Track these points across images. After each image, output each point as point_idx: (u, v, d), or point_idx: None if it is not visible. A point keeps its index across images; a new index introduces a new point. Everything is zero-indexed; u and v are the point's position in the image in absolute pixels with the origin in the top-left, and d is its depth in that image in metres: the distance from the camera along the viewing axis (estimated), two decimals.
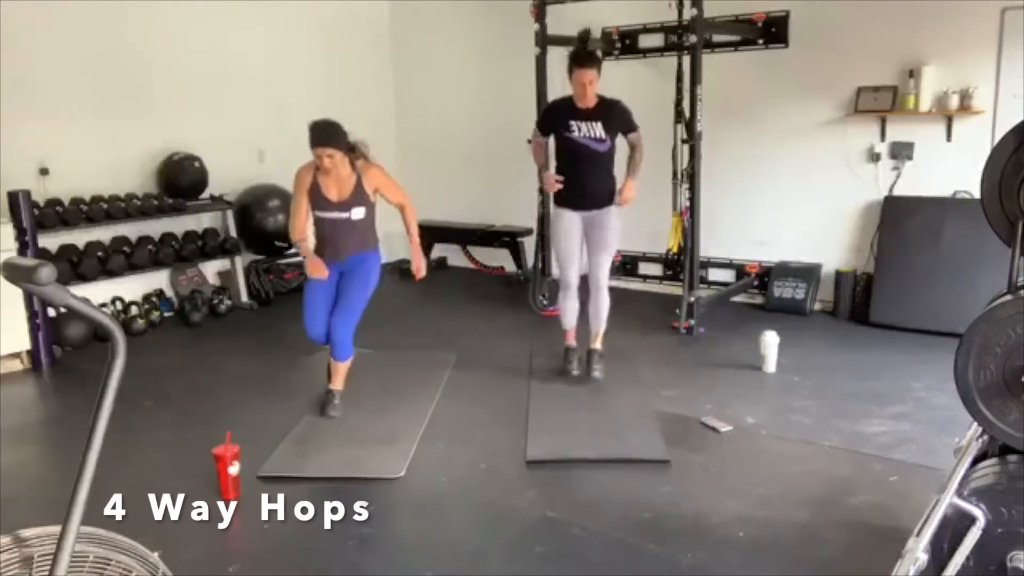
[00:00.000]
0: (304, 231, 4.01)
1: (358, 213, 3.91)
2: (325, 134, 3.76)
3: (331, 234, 3.95)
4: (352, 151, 3.87)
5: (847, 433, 3.78)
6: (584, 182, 4.29)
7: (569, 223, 4.37)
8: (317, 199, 3.90)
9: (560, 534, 2.96)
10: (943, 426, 3.67)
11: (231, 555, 2.93)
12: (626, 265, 6.77)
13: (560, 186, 4.31)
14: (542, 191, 6.04)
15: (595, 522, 3.02)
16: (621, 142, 4.39)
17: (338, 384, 4.13)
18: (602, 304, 4.42)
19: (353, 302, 3.97)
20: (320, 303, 3.98)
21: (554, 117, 4.38)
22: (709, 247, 6.01)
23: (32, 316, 5.00)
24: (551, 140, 4.48)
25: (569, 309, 4.48)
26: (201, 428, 3.94)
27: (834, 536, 2.89)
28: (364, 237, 4.00)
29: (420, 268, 4.12)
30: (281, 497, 3.30)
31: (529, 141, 6.18)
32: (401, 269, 7.24)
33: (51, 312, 5.11)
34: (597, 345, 4.49)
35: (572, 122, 4.26)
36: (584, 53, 4.19)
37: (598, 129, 4.24)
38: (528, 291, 6.22)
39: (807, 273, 5.86)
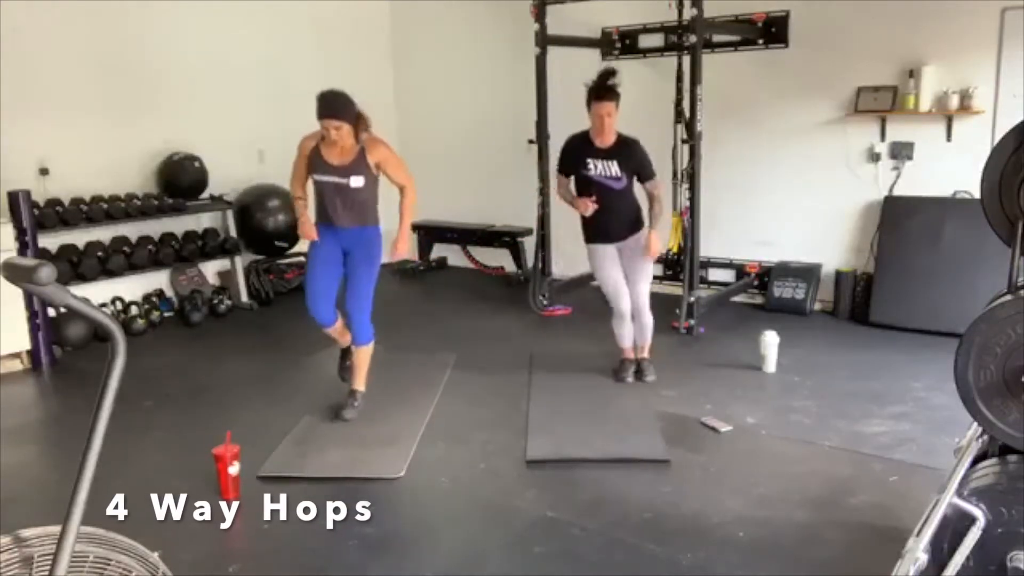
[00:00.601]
0: (301, 190, 3.99)
1: (356, 181, 3.83)
2: (333, 106, 3.73)
3: (329, 199, 3.89)
4: (359, 123, 3.84)
5: (847, 433, 3.78)
6: (609, 218, 4.39)
7: (605, 255, 4.46)
8: (317, 163, 3.87)
9: (560, 534, 2.96)
10: (943, 426, 3.67)
11: (231, 555, 2.93)
12: None
13: (596, 205, 4.34)
14: (542, 191, 6.08)
15: (595, 522, 3.02)
16: None
17: (360, 384, 4.13)
18: (646, 324, 4.56)
19: (362, 284, 3.95)
20: (320, 279, 3.95)
21: (572, 156, 4.43)
22: (709, 247, 6.01)
23: (32, 316, 5.00)
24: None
25: (624, 335, 4.59)
26: (201, 428, 3.94)
27: (834, 536, 2.89)
28: (363, 209, 3.93)
29: (400, 249, 3.99)
30: (281, 497, 3.32)
31: (531, 141, 6.26)
32: (402, 271, 7.26)
33: (51, 312, 5.12)
34: (646, 354, 4.65)
35: (589, 160, 4.33)
36: (603, 86, 4.24)
37: (614, 168, 4.30)
38: (528, 291, 6.22)
39: (807, 273, 5.86)
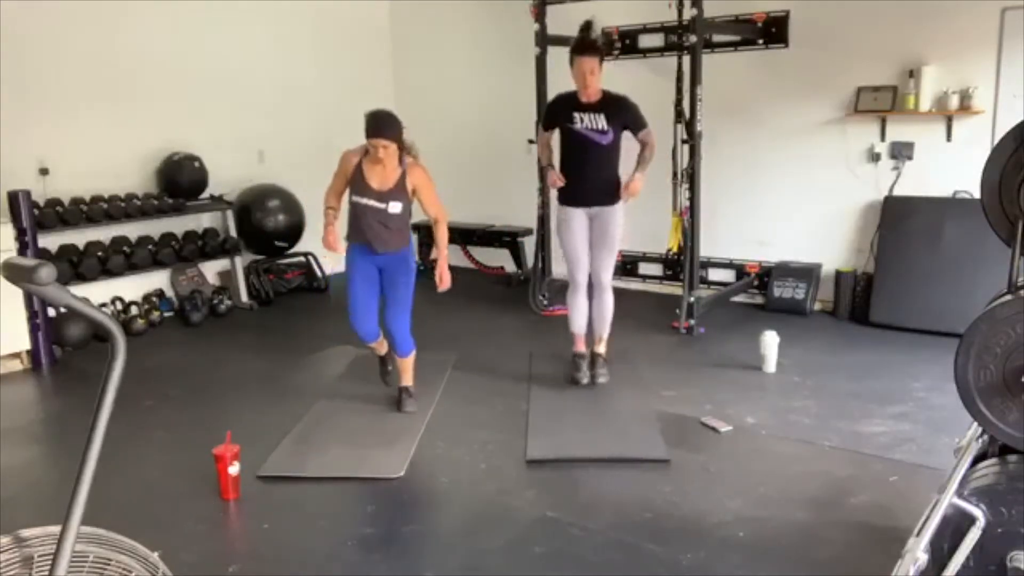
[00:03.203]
0: (336, 201, 4.00)
1: (395, 207, 3.89)
2: (384, 125, 3.76)
3: (366, 222, 3.91)
4: (404, 146, 3.88)
5: (847, 433, 3.78)
6: (587, 176, 4.25)
7: (575, 221, 4.31)
8: (358, 183, 3.89)
9: (560, 534, 2.95)
10: (943, 426, 3.67)
11: (231, 555, 2.93)
12: (626, 265, 6.77)
13: (563, 183, 4.28)
14: (542, 191, 6.07)
15: (595, 522, 3.02)
16: (628, 143, 4.32)
17: (409, 380, 4.21)
18: (606, 305, 4.39)
19: (402, 299, 4.03)
20: (364, 299, 4.03)
21: (557, 110, 4.34)
22: (709, 247, 6.01)
23: (32, 316, 5.00)
24: (555, 137, 4.43)
25: (578, 309, 4.39)
26: (201, 428, 3.94)
27: (834, 536, 2.89)
28: (399, 233, 3.99)
29: (445, 279, 4.07)
30: (281, 497, 3.33)
31: (531, 141, 6.25)
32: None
33: (51, 312, 5.11)
34: (601, 349, 4.46)
35: (575, 113, 4.22)
36: (585, 42, 4.12)
37: (601, 121, 4.18)
38: (528, 291, 6.22)
39: (807, 273, 5.86)
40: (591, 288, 4.41)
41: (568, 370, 4.49)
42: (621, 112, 4.21)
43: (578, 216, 4.33)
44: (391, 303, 4.05)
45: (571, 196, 4.33)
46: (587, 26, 4.16)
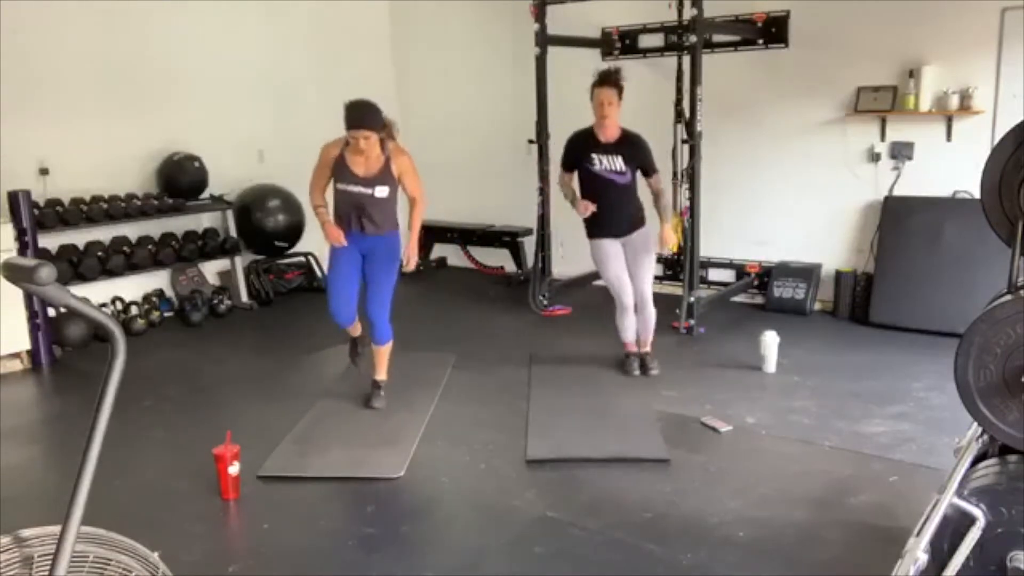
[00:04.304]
0: (321, 198, 4.04)
1: (381, 192, 3.94)
2: (363, 116, 3.78)
3: (352, 208, 3.96)
4: (386, 133, 3.91)
5: (847, 433, 3.78)
6: (612, 212, 4.43)
7: (610, 249, 4.51)
8: (342, 172, 3.93)
9: (560, 534, 2.95)
10: (943, 426, 3.67)
11: (231, 555, 2.93)
12: None
13: (594, 208, 4.41)
14: (542, 191, 6.08)
15: (595, 522, 3.02)
16: None
17: (382, 374, 4.24)
18: (649, 316, 4.63)
19: (383, 286, 4.07)
20: (345, 286, 4.06)
21: (576, 151, 4.50)
22: (709, 247, 6.01)
23: (32, 316, 5.00)
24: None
25: (628, 327, 4.63)
26: (201, 428, 3.94)
27: (834, 536, 2.89)
28: (385, 217, 4.02)
29: (412, 260, 4.15)
30: (281, 497, 3.33)
31: (531, 141, 6.26)
32: (402, 271, 7.26)
33: (51, 312, 5.12)
34: (648, 349, 4.71)
35: (593, 155, 4.41)
36: (606, 73, 4.35)
37: (618, 163, 4.38)
38: (528, 291, 6.22)
39: (807, 273, 5.86)
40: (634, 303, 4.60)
41: (622, 365, 4.70)
42: (637, 154, 4.43)
43: (612, 244, 4.51)
44: (372, 290, 4.07)
45: (600, 230, 4.51)
46: (616, 70, 4.40)
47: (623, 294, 4.52)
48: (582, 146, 4.46)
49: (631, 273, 4.52)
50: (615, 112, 4.34)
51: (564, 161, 4.59)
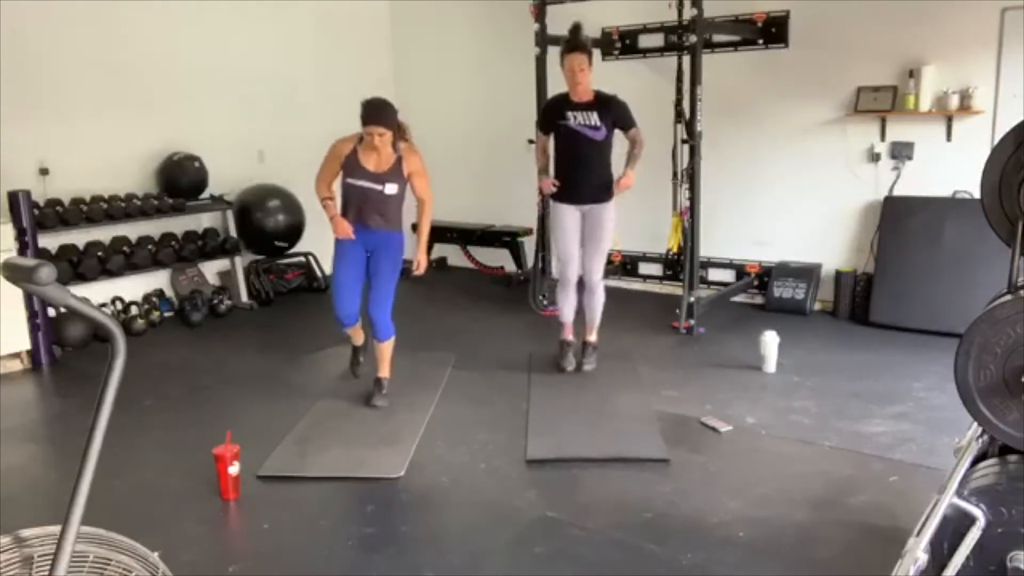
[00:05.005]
0: (328, 191, 4.08)
1: (391, 188, 4.00)
2: (380, 114, 3.85)
3: (360, 203, 4.01)
4: (399, 132, 3.97)
5: (847, 433, 3.78)
6: (581, 173, 4.39)
7: (567, 217, 4.46)
8: (353, 167, 3.98)
9: (560, 534, 2.95)
10: (943, 426, 3.67)
11: (231, 555, 2.93)
12: (626, 265, 6.78)
13: (555, 189, 4.43)
14: (542, 191, 6.06)
15: (595, 522, 3.02)
16: (620, 146, 4.44)
17: (385, 371, 4.27)
18: (597, 300, 4.56)
19: (385, 284, 4.10)
20: (350, 282, 4.10)
21: (551, 111, 4.51)
22: (709, 247, 6.01)
23: (32, 316, 5.00)
24: (551, 140, 4.56)
25: (568, 303, 4.57)
26: (201, 428, 3.94)
27: (834, 536, 2.89)
28: (392, 215, 4.07)
29: (421, 264, 4.22)
30: (281, 497, 3.33)
31: (531, 141, 6.24)
32: (402, 271, 7.26)
33: (51, 312, 5.11)
34: (592, 338, 4.61)
35: (568, 112, 4.39)
36: (574, 40, 4.31)
37: (593, 117, 4.36)
38: (528, 291, 6.22)
39: (807, 273, 5.86)
40: (580, 283, 4.55)
41: (556, 356, 4.62)
42: (611, 110, 4.38)
43: (571, 213, 4.47)
44: (375, 287, 4.10)
45: (565, 193, 4.47)
46: (576, 28, 4.37)
47: (568, 266, 4.49)
48: (557, 105, 4.46)
49: (584, 247, 4.46)
50: (587, 78, 4.29)
51: (540, 121, 4.62)
